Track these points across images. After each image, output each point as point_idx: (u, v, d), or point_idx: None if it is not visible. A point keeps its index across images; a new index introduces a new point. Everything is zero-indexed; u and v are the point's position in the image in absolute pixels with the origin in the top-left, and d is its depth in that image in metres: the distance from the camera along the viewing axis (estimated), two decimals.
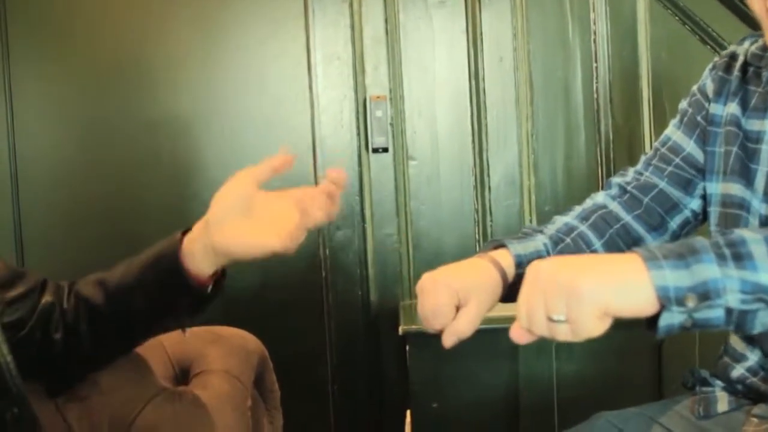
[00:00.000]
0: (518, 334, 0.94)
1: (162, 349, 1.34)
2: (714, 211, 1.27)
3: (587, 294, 0.84)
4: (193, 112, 2.40)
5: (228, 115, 2.41)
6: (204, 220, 1.16)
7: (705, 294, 0.84)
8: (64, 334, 1.17)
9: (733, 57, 1.31)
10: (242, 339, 1.37)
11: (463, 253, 2.45)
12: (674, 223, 1.30)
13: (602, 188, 2.43)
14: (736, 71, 1.28)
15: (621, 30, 2.46)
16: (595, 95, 2.47)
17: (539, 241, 1.24)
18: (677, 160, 1.31)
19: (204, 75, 2.40)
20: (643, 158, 1.38)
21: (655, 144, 1.37)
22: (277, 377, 1.46)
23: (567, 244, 1.26)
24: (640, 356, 2.20)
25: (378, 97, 2.41)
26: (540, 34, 2.46)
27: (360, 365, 2.45)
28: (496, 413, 2.17)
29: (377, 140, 2.42)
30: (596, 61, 2.46)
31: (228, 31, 2.40)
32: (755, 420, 1.21)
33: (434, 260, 2.47)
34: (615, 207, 1.34)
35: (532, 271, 0.90)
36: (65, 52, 2.37)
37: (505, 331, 2.16)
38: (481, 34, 2.44)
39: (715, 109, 1.29)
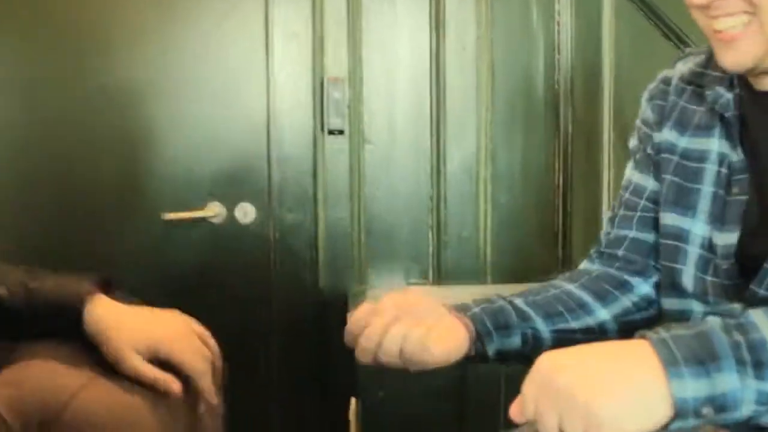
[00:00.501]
0: (518, 414, 0.91)
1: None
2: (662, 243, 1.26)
3: (608, 421, 0.83)
4: (148, 81, 2.33)
5: (183, 87, 2.35)
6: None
7: (723, 406, 0.84)
8: None
9: (665, 82, 1.29)
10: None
11: (415, 240, 2.45)
12: (658, 264, 1.28)
13: (559, 180, 2.45)
14: (671, 95, 1.27)
15: (585, 22, 2.44)
16: (557, 86, 2.44)
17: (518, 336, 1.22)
18: (642, 202, 1.30)
19: (161, 45, 2.33)
20: (607, 216, 1.37)
21: (620, 191, 1.35)
22: None
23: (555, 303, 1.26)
24: None
25: (336, 79, 2.36)
26: (504, 23, 2.42)
27: (306, 351, 2.41)
28: (442, 404, 2.14)
29: (333, 122, 2.37)
30: (559, 53, 2.44)
31: (188, 2, 2.33)
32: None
33: (386, 246, 2.44)
34: (596, 267, 1.33)
35: (543, 368, 0.88)
36: (17, 13, 2.28)
37: None
38: (445, 19, 2.40)
39: (660, 137, 1.26)
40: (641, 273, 1.29)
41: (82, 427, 1.12)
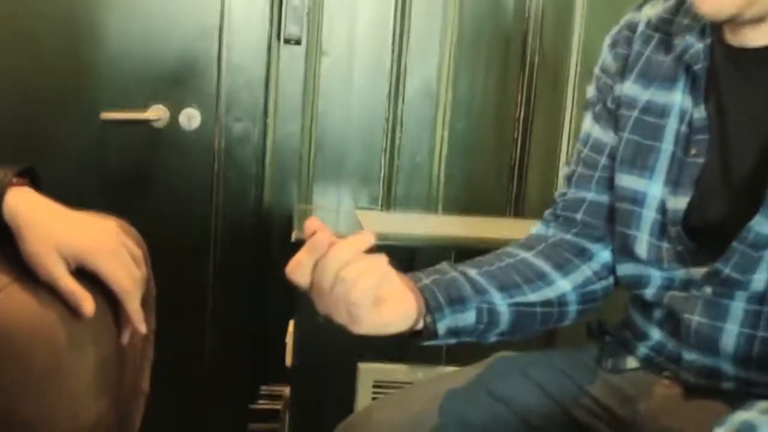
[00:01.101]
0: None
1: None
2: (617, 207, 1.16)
3: None
4: None
5: None
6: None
7: None
8: None
9: (630, 27, 1.18)
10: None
11: (367, 162, 2.35)
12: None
13: (520, 113, 2.36)
14: (636, 44, 1.16)
15: None
16: (527, 14, 2.33)
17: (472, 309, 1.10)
18: (602, 159, 1.19)
19: None
20: (564, 173, 1.26)
21: (578, 145, 1.24)
22: (154, 273, 1.31)
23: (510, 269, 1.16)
24: None
25: None
26: None
27: (245, 269, 2.31)
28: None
29: (290, 30, 2.23)
30: None
31: None
32: (667, 382, 1.13)
33: (336, 166, 2.34)
34: (552, 232, 1.23)
35: None
36: None
37: (401, 249, 2.05)
38: None
39: (621, 89, 1.16)
40: (601, 239, 1.20)
41: (1, 334, 1.01)
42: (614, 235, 1.17)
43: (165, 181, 2.24)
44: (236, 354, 2.33)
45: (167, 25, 2.21)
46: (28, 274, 1.04)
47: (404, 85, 2.32)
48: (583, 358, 1.22)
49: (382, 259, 0.97)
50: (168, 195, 2.24)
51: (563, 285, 1.17)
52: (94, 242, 1.07)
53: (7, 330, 0.98)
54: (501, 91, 2.36)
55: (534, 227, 1.26)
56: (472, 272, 1.13)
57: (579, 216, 1.21)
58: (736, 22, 1.02)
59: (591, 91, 1.25)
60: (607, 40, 1.22)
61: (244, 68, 2.24)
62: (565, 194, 1.24)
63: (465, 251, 2.05)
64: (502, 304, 1.12)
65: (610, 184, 1.18)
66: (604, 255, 1.20)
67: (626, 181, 1.13)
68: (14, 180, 1.06)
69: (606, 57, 1.21)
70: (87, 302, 1.03)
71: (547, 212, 1.26)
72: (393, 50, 2.30)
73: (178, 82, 2.22)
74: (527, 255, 1.18)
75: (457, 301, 1.08)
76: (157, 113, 2.22)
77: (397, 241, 2.06)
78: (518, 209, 2.39)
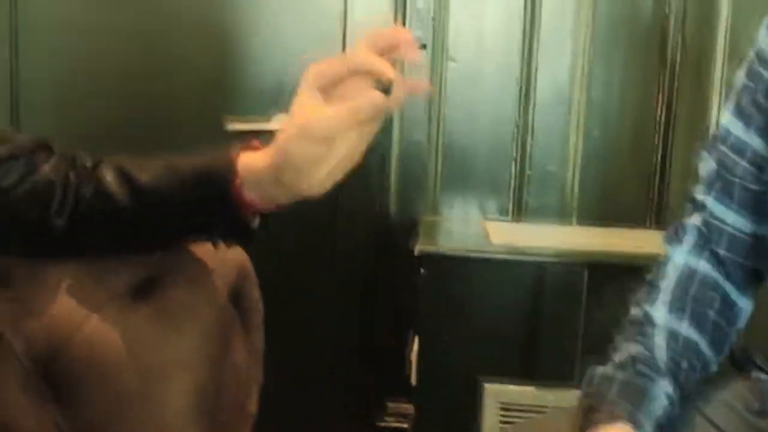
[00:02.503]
0: None
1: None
2: None
3: None
4: None
5: None
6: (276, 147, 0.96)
7: None
8: (70, 222, 1.01)
9: None
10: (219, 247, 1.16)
11: (496, 171, 2.25)
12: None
13: (661, 117, 2.22)
14: None
15: None
16: (667, 9, 2.19)
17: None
18: (743, 163, 1.05)
19: None
20: (703, 169, 1.10)
21: (714, 135, 1.09)
22: (272, 290, 1.26)
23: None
24: None
25: None
26: None
27: (367, 281, 2.25)
28: (510, 351, 1.97)
29: (415, 35, 2.15)
30: None
31: None
32: None
33: (463, 175, 2.25)
34: (702, 267, 1.08)
35: None
36: None
37: (531, 264, 1.95)
38: None
39: None
40: (744, 287, 1.07)
41: (90, 356, 0.98)
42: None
43: None
44: (358, 367, 2.28)
45: (291, 36, 2.19)
46: (121, 296, 1.00)
47: (535, 89, 2.21)
48: (725, 397, 1.08)
49: None
50: (290, 209, 2.20)
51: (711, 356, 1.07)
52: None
53: (97, 355, 0.96)
54: (640, 92, 2.23)
55: (680, 253, 1.11)
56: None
57: (722, 252, 1.07)
58: None
59: (740, 77, 1.10)
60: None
61: None
62: (704, 206, 1.10)
63: (600, 266, 1.94)
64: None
65: (753, 202, 1.05)
66: (746, 309, 1.08)
67: None
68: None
69: (763, 41, 1.07)
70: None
71: (695, 237, 1.10)
72: (522, 52, 2.20)
73: None
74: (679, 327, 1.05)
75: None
76: (282, 123, 2.18)
77: (528, 254, 1.96)
78: (659, 219, 2.24)
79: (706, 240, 1.08)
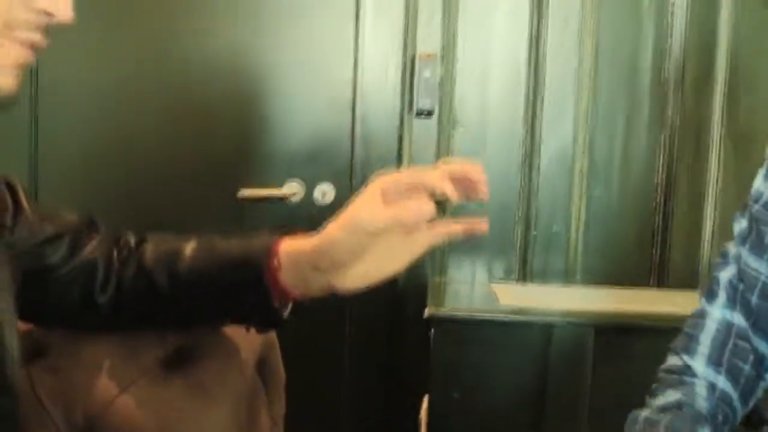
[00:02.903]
0: None
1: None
2: None
3: None
4: (229, 53, 2.23)
5: (265, 58, 2.23)
6: (324, 235, 0.99)
7: None
8: (115, 300, 1.05)
9: None
10: None
11: (501, 232, 2.29)
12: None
13: (661, 178, 2.26)
14: None
15: (701, 7, 2.24)
16: (665, 75, 2.25)
17: None
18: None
19: (245, 14, 2.21)
20: (737, 226, 1.18)
21: (750, 201, 1.17)
22: (291, 356, 1.30)
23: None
24: None
25: (428, 56, 2.22)
26: (611, 2, 2.24)
27: (379, 345, 2.28)
28: (519, 411, 1.99)
29: (423, 102, 2.22)
30: (670, 37, 2.24)
31: None
32: None
33: (469, 239, 2.29)
34: (738, 320, 1.15)
35: None
36: None
37: (538, 325, 1.98)
38: None
39: None
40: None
41: (125, 427, 1.01)
42: None
43: None
44: (371, 428, 2.30)
45: (301, 101, 2.24)
46: (153, 369, 1.05)
47: (539, 153, 2.27)
48: None
49: None
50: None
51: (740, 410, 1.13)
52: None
53: (135, 427, 0.99)
54: (640, 155, 2.28)
55: (717, 307, 1.17)
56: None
57: (755, 300, 1.13)
58: None
59: (742, 223, 1.18)
60: (762, 170, 1.15)
61: (376, 141, 2.25)
62: (738, 256, 1.17)
63: (607, 326, 1.98)
64: None
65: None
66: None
67: None
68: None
69: (760, 185, 1.15)
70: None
71: (728, 290, 1.17)
72: (526, 117, 2.26)
73: (312, 157, 2.24)
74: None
75: None
76: (292, 189, 2.24)
77: (535, 315, 2.00)
78: (662, 279, 2.28)
79: (740, 291, 1.14)
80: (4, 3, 0.78)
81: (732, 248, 1.19)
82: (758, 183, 1.16)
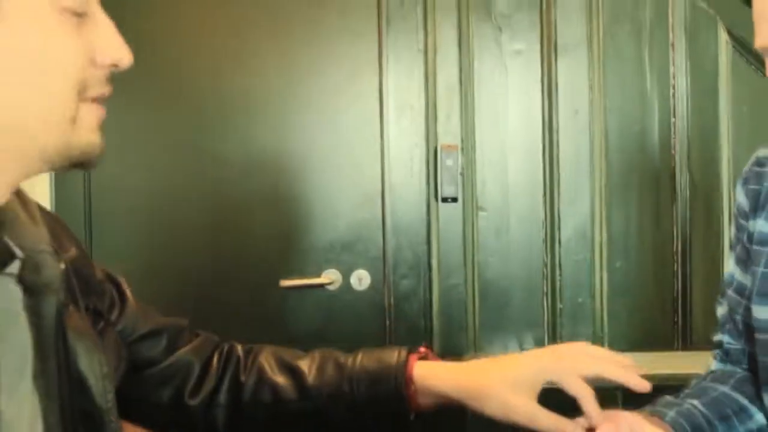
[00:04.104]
0: None
1: None
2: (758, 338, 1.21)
3: None
4: (267, 152, 2.42)
5: (300, 156, 2.42)
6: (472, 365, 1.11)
7: None
8: (231, 409, 1.10)
9: (760, 163, 1.24)
10: None
11: (529, 307, 2.43)
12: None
13: (677, 246, 2.39)
14: (766, 181, 1.22)
15: (701, 85, 2.40)
16: (673, 151, 2.41)
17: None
18: (746, 302, 1.25)
19: (281, 117, 2.41)
20: (719, 311, 1.34)
21: (726, 287, 1.31)
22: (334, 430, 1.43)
23: None
24: None
25: (449, 146, 2.39)
26: (617, 87, 2.41)
27: (420, 420, 2.40)
28: None
29: (447, 189, 2.39)
30: (674, 116, 2.40)
31: (306, 76, 2.41)
32: None
33: (500, 313, 2.43)
34: (732, 368, 1.32)
35: None
36: (142, 82, 2.39)
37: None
38: (557, 85, 2.40)
39: (754, 226, 1.22)
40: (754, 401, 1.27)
41: None
42: (758, 365, 1.22)
43: (340, 340, 2.37)
44: None
45: (334, 195, 2.41)
46: None
47: (559, 230, 2.41)
48: None
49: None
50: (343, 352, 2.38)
51: (760, 418, 1.25)
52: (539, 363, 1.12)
53: None
54: (655, 226, 2.42)
55: (713, 364, 1.34)
56: (696, 402, 1.23)
57: (745, 365, 1.28)
58: None
59: (732, 229, 1.31)
60: (740, 179, 1.28)
61: (406, 228, 2.41)
62: (721, 343, 1.31)
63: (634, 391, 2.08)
64: None
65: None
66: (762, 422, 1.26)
67: (763, 313, 1.18)
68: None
69: (739, 195, 1.27)
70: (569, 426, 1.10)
71: (718, 353, 1.33)
72: (545, 198, 2.41)
73: (347, 246, 2.41)
74: (726, 389, 1.26)
75: (699, 430, 1.19)
76: (330, 277, 2.40)
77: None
78: (686, 341, 2.40)
79: (728, 374, 1.29)
80: (75, 68, 0.80)
81: (716, 337, 1.34)
82: (730, 267, 1.30)
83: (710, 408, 1.22)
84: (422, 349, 1.14)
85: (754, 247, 1.21)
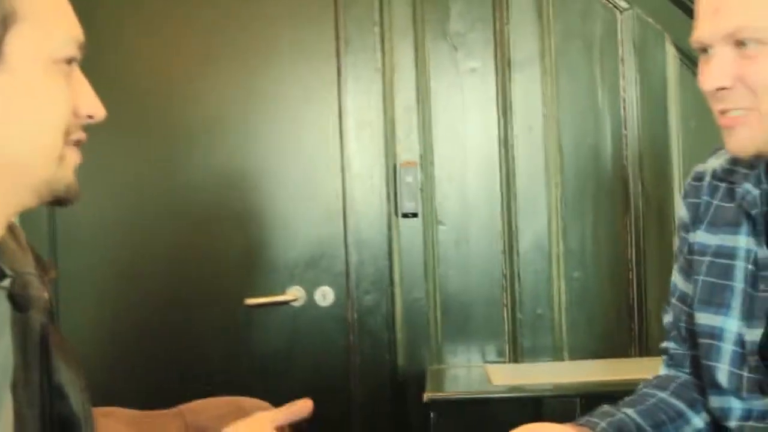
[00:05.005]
0: None
1: (182, 418, 1.36)
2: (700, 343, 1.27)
3: None
4: (228, 172, 2.46)
5: (262, 177, 2.46)
6: None
7: None
8: None
9: (698, 178, 1.31)
10: (260, 409, 1.38)
11: (490, 318, 2.48)
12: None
13: (632, 255, 2.45)
14: (704, 194, 1.28)
15: (651, 97, 2.48)
16: (625, 162, 2.48)
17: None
18: (688, 309, 1.32)
19: (240, 138, 2.46)
20: (664, 318, 1.41)
21: (671, 296, 1.38)
22: None
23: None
24: None
25: (408, 163, 2.44)
26: (570, 102, 2.48)
27: (383, 429, 2.45)
28: None
29: (407, 205, 2.44)
30: (626, 129, 2.48)
31: (265, 97, 2.46)
32: None
33: (462, 325, 2.48)
34: (676, 372, 1.38)
35: None
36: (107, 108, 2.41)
37: (532, 400, 2.15)
38: (511, 101, 2.47)
39: (694, 238, 1.28)
40: (693, 406, 1.33)
41: None
42: (702, 369, 1.27)
43: (306, 355, 2.44)
44: None
45: (297, 214, 2.46)
46: None
47: (517, 242, 2.47)
48: None
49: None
50: (309, 367, 2.43)
51: (697, 422, 1.31)
52: None
53: None
54: (610, 236, 2.48)
55: (661, 369, 1.40)
56: (630, 411, 1.28)
57: (688, 369, 1.34)
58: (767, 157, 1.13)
59: (676, 241, 1.37)
60: (682, 192, 1.35)
61: (368, 244, 2.46)
62: (667, 349, 1.38)
63: (592, 395, 2.14)
64: None
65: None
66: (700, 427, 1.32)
67: (704, 319, 1.24)
68: None
69: (681, 208, 1.34)
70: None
71: (665, 359, 1.39)
72: (503, 212, 2.47)
73: (311, 264, 2.45)
74: (664, 395, 1.32)
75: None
76: (294, 294, 2.44)
77: (525, 391, 2.18)
78: (642, 348, 2.46)
79: (670, 378, 1.35)
80: (64, 113, 0.92)
81: (663, 344, 1.41)
82: (674, 277, 1.38)
83: (644, 415, 1.27)
84: None
85: (695, 257, 1.27)
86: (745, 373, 1.18)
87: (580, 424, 1.24)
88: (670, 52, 2.47)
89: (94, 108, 0.96)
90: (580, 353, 2.46)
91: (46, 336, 0.96)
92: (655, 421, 1.27)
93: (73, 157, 0.96)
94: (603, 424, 1.23)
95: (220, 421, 1.35)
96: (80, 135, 0.96)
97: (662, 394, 1.32)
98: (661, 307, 2.42)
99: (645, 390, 1.35)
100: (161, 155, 2.46)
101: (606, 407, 1.29)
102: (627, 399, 1.33)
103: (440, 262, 2.47)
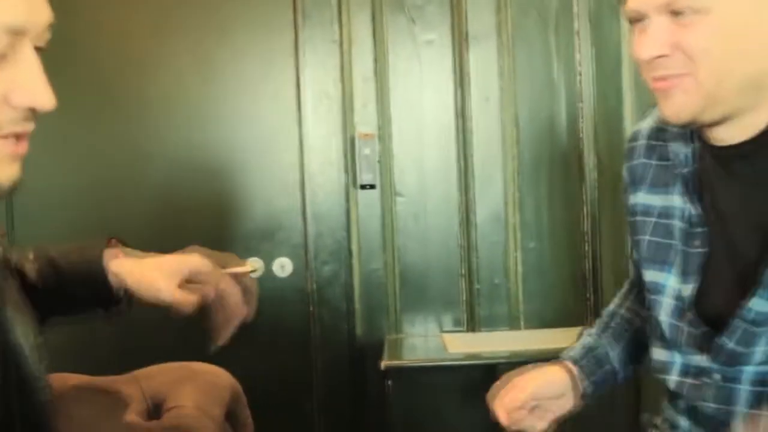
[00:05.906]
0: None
1: (136, 383, 1.37)
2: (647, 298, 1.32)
3: None
4: (186, 146, 2.46)
5: (220, 150, 2.46)
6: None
7: None
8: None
9: (634, 138, 1.33)
10: (214, 375, 1.40)
11: (448, 289, 2.51)
12: None
13: (587, 226, 2.49)
14: (641, 156, 1.31)
15: (605, 70, 2.51)
16: (580, 134, 2.51)
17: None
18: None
19: (197, 110, 2.46)
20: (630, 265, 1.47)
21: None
22: (261, 411, 1.49)
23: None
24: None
25: (366, 135, 2.46)
26: (526, 74, 2.50)
27: (344, 399, 2.48)
28: None
29: (365, 177, 2.46)
30: (581, 101, 2.51)
31: (222, 69, 2.46)
32: None
33: (420, 295, 2.51)
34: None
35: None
36: (64, 82, 2.41)
37: (488, 367, 2.18)
38: (468, 73, 2.49)
39: (635, 199, 1.31)
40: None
41: None
42: (649, 322, 1.32)
43: (265, 326, 2.44)
44: None
45: (255, 186, 2.47)
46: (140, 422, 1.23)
47: (474, 214, 2.50)
48: None
49: None
50: (269, 338, 2.44)
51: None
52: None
53: None
54: (566, 207, 2.52)
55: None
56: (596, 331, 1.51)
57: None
58: (700, 124, 1.15)
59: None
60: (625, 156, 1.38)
61: (326, 216, 2.47)
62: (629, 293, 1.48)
63: (546, 361, 2.18)
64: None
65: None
66: None
67: (650, 276, 1.27)
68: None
69: (624, 172, 1.37)
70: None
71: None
72: (460, 183, 2.50)
73: (269, 235, 2.46)
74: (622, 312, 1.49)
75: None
76: (253, 265, 2.44)
77: (481, 358, 2.21)
78: (597, 317, 2.49)
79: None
80: None
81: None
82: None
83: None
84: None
85: (638, 218, 1.30)
86: (685, 327, 1.22)
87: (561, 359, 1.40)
88: (625, 25, 2.49)
89: (35, 97, 0.85)
90: (537, 322, 2.50)
91: (3, 295, 0.94)
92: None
93: (7, 150, 0.85)
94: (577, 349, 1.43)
95: (173, 386, 1.37)
96: (17, 128, 0.85)
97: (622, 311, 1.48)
98: (617, 276, 2.50)
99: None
100: (118, 129, 2.45)
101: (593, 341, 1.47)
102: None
103: (398, 234, 2.50)
